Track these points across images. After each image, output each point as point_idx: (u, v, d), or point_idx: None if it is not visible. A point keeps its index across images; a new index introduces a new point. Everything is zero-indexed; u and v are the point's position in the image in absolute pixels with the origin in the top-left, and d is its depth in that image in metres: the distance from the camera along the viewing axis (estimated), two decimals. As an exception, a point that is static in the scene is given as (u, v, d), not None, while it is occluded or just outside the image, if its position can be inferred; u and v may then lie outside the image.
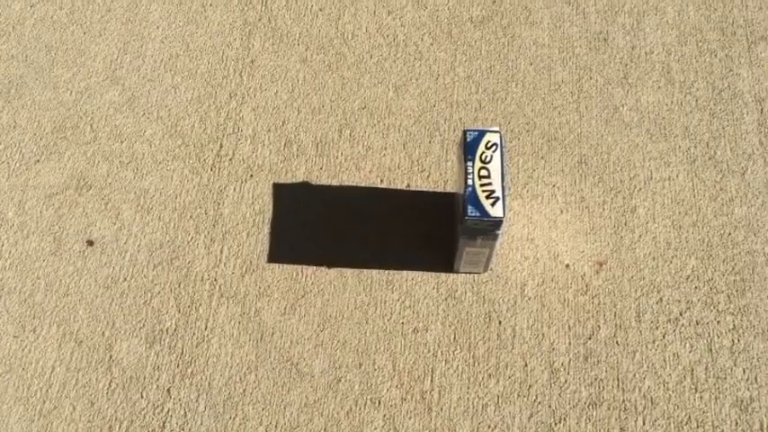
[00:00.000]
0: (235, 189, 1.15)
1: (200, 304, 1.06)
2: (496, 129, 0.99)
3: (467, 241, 1.00)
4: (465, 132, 0.99)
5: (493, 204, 0.94)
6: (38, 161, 1.17)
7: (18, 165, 1.16)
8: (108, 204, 1.13)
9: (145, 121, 1.20)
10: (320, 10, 1.30)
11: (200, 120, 1.20)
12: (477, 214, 0.94)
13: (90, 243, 1.10)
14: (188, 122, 1.20)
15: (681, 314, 1.05)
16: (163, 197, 1.14)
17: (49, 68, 1.25)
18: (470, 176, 0.96)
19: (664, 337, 1.04)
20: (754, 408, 0.99)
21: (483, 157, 0.97)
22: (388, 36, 1.28)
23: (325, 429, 0.98)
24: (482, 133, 0.99)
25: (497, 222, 0.95)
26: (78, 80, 1.23)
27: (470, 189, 0.95)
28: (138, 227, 1.12)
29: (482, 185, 0.96)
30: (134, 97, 1.22)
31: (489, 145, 0.98)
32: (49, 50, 1.26)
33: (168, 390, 1.01)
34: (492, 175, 0.96)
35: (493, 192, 0.95)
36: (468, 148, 0.98)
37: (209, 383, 1.01)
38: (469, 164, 0.97)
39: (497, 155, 0.97)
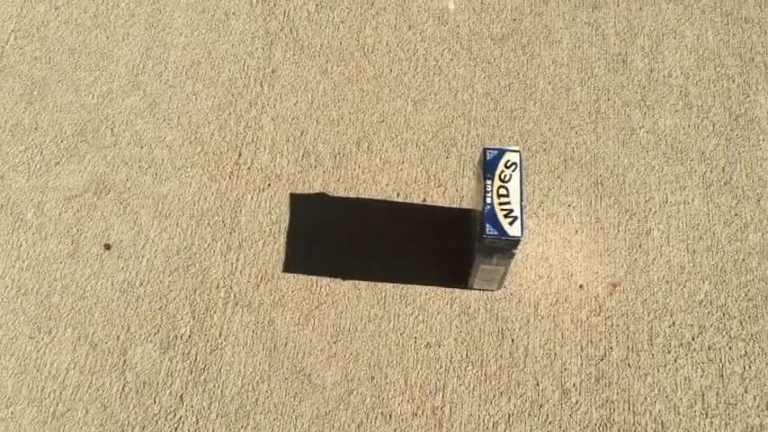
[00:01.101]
0: (252, 198, 1.15)
1: (215, 312, 1.07)
2: (516, 148, 1.00)
3: (483, 259, 1.00)
4: (485, 150, 0.99)
5: (511, 223, 0.95)
6: (58, 163, 1.18)
7: (38, 166, 1.17)
8: (126, 209, 1.14)
9: (165, 127, 1.21)
10: (341, 22, 1.31)
11: (220, 127, 1.21)
12: (496, 233, 0.95)
13: (107, 247, 1.11)
14: (208, 130, 1.21)
15: (693, 339, 1.06)
16: (181, 203, 1.15)
17: (72, 71, 1.26)
18: (489, 195, 0.97)
19: (675, 361, 1.04)
20: (764, 435, 0.99)
21: (502, 176, 0.98)
22: (408, 50, 1.29)
23: (335, 441, 0.99)
24: (502, 152, 0.99)
25: (515, 242, 0.95)
26: (100, 84, 1.25)
27: (489, 207, 0.96)
28: (155, 232, 1.12)
29: (501, 204, 0.96)
30: (155, 103, 1.23)
31: (509, 164, 0.99)
32: (72, 53, 1.27)
33: (181, 396, 1.01)
34: (511, 194, 0.97)
35: (511, 211, 0.96)
36: (488, 166, 0.98)
37: (221, 391, 1.02)
38: (488, 182, 0.98)
39: (516, 174, 0.98)
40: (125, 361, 1.03)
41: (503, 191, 0.97)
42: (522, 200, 0.97)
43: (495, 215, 0.96)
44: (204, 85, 1.25)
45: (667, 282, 1.09)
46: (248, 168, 1.18)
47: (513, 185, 0.97)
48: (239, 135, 1.21)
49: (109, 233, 1.12)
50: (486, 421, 1.00)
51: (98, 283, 1.09)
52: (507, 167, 0.98)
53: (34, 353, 1.04)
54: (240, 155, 1.19)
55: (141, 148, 1.19)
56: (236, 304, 1.07)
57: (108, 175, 1.17)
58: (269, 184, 1.17)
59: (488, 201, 0.96)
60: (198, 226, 1.13)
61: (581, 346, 1.05)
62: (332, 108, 1.23)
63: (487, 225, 0.95)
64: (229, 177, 1.17)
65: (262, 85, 1.25)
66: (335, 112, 1.23)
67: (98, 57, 1.27)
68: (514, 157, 0.99)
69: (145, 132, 1.21)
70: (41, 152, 1.19)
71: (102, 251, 1.11)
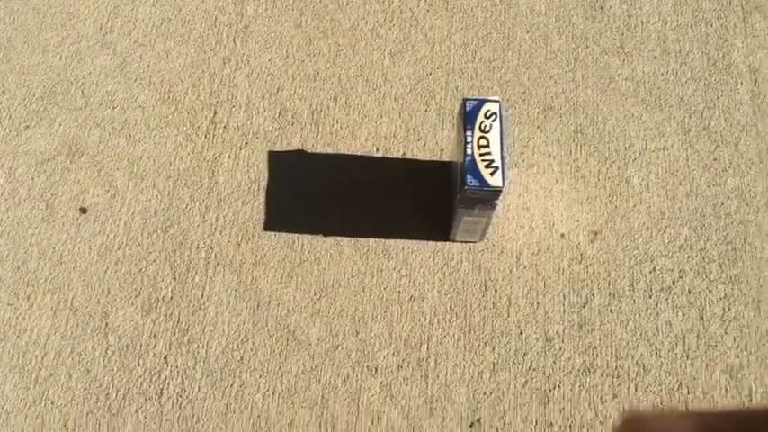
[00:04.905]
0: (229, 156, 1.14)
1: (196, 272, 1.06)
2: (497, 98, 0.98)
3: (464, 210, 1.00)
4: (464, 101, 0.98)
5: (492, 174, 0.94)
6: (28, 127, 1.15)
7: (8, 130, 1.14)
8: (101, 171, 1.12)
9: (137, 86, 1.18)
10: (314, -26, 1.28)
11: (194, 86, 1.18)
12: (477, 184, 0.94)
13: (83, 210, 1.09)
14: (181, 88, 1.18)
15: (673, 283, 1.07)
16: (156, 164, 1.13)
17: (38, 32, 1.22)
18: (469, 146, 0.96)
19: (656, 305, 1.05)
20: (743, 375, 1.01)
21: (482, 127, 0.97)
22: (383, 2, 1.26)
23: (322, 396, 0.99)
24: (481, 102, 0.98)
25: (496, 192, 0.95)
26: (68, 44, 1.21)
27: (469, 158, 0.95)
28: (131, 194, 1.11)
29: (481, 155, 0.95)
30: (125, 62, 1.20)
31: (488, 114, 0.98)
32: (37, 13, 1.23)
33: (165, 357, 1.01)
34: (491, 145, 0.96)
35: (492, 161, 0.95)
36: (468, 117, 0.97)
37: (206, 351, 1.01)
38: (468, 133, 0.97)
39: (497, 124, 0.97)
40: (107, 324, 1.03)
41: (483, 141, 0.96)
42: (503, 150, 0.96)
43: (475, 166, 0.95)
44: (175, 43, 1.22)
45: (647, 228, 1.10)
46: (224, 127, 1.16)
47: (494, 136, 0.97)
48: (213, 93, 1.18)
49: (84, 196, 1.10)
50: (471, 371, 1.01)
51: (75, 248, 1.07)
52: (487, 118, 0.97)
53: (13, 319, 1.02)
54: (215, 113, 1.17)
55: (113, 109, 1.17)
56: (218, 264, 1.06)
57: (80, 137, 1.14)
58: (246, 143, 1.15)
59: (469, 152, 0.96)
60: (175, 187, 1.11)
61: (563, 294, 1.06)
62: (307, 63, 1.21)
63: (468, 176, 0.94)
64: (205, 137, 1.15)
65: (235, 42, 1.22)
66: (311, 68, 1.21)
67: (64, 16, 1.23)
68: (494, 107, 0.98)
69: (116, 93, 1.18)
70: (10, 116, 1.15)
71: (77, 215, 1.09)
